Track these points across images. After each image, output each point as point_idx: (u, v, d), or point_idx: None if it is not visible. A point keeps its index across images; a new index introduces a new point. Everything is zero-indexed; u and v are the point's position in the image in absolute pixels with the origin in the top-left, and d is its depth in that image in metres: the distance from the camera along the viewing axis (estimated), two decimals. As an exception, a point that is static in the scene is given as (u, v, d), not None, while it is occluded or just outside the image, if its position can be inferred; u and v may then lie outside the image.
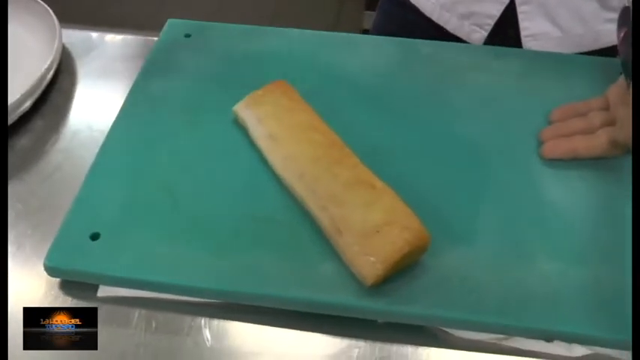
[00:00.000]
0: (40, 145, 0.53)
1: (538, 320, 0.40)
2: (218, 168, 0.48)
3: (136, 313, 0.42)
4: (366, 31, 1.72)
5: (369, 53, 0.58)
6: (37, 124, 0.55)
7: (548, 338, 0.40)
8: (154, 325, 0.41)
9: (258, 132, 0.48)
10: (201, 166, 0.48)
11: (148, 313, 0.42)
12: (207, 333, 0.41)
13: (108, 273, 0.41)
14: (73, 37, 0.64)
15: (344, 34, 0.60)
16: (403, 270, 0.41)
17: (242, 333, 0.41)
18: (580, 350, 0.40)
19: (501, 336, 0.41)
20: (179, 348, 0.40)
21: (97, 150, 0.49)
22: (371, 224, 0.40)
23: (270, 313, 0.41)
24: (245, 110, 0.49)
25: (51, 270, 0.42)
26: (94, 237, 0.42)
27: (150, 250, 0.42)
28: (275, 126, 0.48)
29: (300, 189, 0.44)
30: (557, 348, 0.40)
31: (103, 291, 0.42)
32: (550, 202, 0.46)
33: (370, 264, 0.39)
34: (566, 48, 0.62)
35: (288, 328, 0.41)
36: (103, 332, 0.40)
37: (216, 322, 0.41)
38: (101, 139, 0.50)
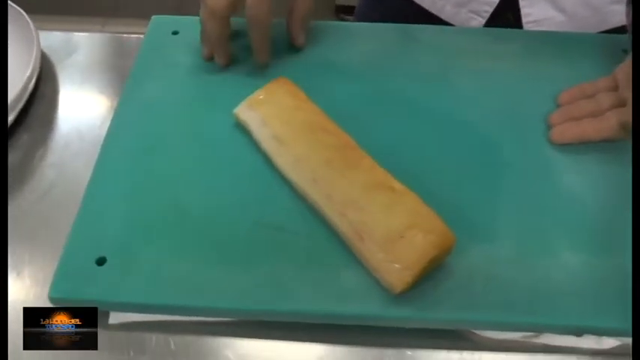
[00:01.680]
0: (29, 160, 0.50)
1: (567, 316, 0.39)
2: (224, 175, 0.45)
3: (153, 338, 0.39)
4: (339, 8, 1.71)
5: (367, 42, 0.56)
6: (23, 137, 0.52)
7: (578, 333, 0.40)
8: (172, 349, 0.39)
9: (263, 134, 0.46)
10: (206, 175, 0.45)
11: (164, 337, 0.39)
12: (229, 353, 0.39)
13: (118, 300, 0.39)
14: (51, 39, 0.60)
15: (340, 22, 0.58)
16: (428, 273, 0.40)
17: (265, 350, 0.40)
18: (610, 342, 0.40)
19: (531, 334, 0.40)
20: (201, 372, 0.39)
21: (91, 161, 0.46)
22: (394, 229, 0.39)
23: (294, 328, 0.40)
24: (247, 112, 0.47)
25: (57, 301, 0.39)
26: (100, 262, 0.40)
27: (161, 271, 0.40)
28: (281, 127, 0.45)
29: (314, 194, 0.42)
30: (587, 341, 0.40)
31: (115, 318, 0.40)
32: (566, 189, 0.45)
33: (397, 271, 0.37)
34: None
35: (314, 342, 0.40)
36: (119, 361, 0.38)
37: (237, 340, 0.40)
38: (94, 149, 0.47)
